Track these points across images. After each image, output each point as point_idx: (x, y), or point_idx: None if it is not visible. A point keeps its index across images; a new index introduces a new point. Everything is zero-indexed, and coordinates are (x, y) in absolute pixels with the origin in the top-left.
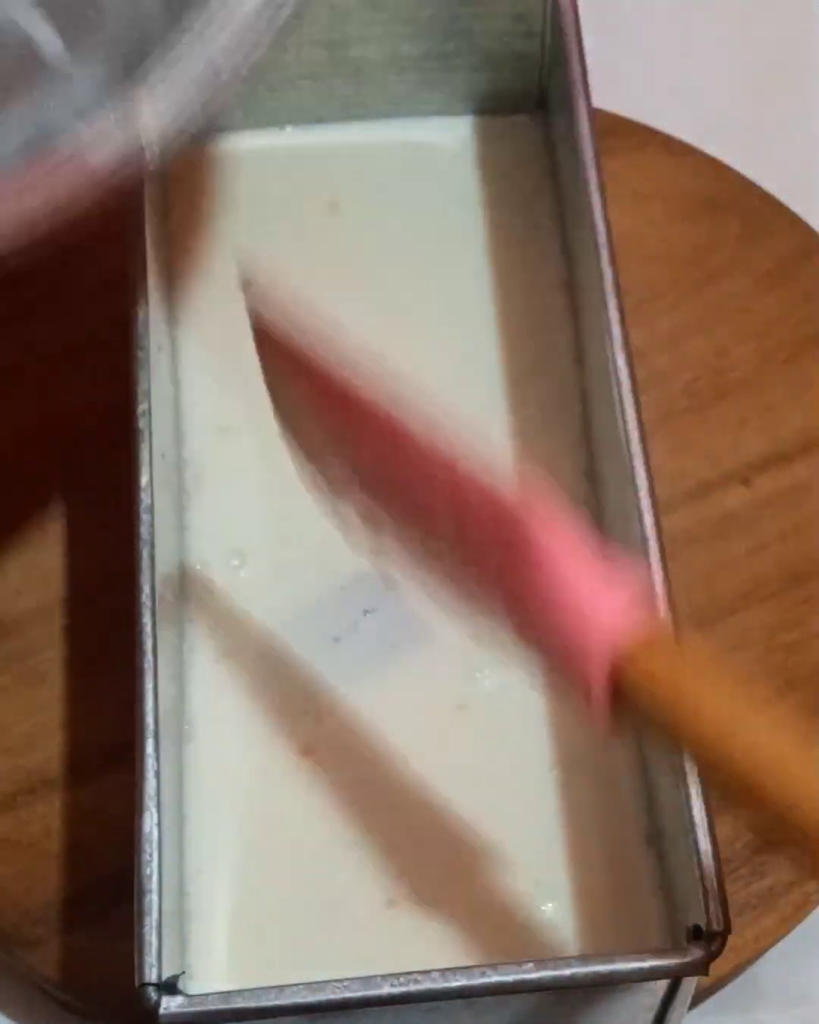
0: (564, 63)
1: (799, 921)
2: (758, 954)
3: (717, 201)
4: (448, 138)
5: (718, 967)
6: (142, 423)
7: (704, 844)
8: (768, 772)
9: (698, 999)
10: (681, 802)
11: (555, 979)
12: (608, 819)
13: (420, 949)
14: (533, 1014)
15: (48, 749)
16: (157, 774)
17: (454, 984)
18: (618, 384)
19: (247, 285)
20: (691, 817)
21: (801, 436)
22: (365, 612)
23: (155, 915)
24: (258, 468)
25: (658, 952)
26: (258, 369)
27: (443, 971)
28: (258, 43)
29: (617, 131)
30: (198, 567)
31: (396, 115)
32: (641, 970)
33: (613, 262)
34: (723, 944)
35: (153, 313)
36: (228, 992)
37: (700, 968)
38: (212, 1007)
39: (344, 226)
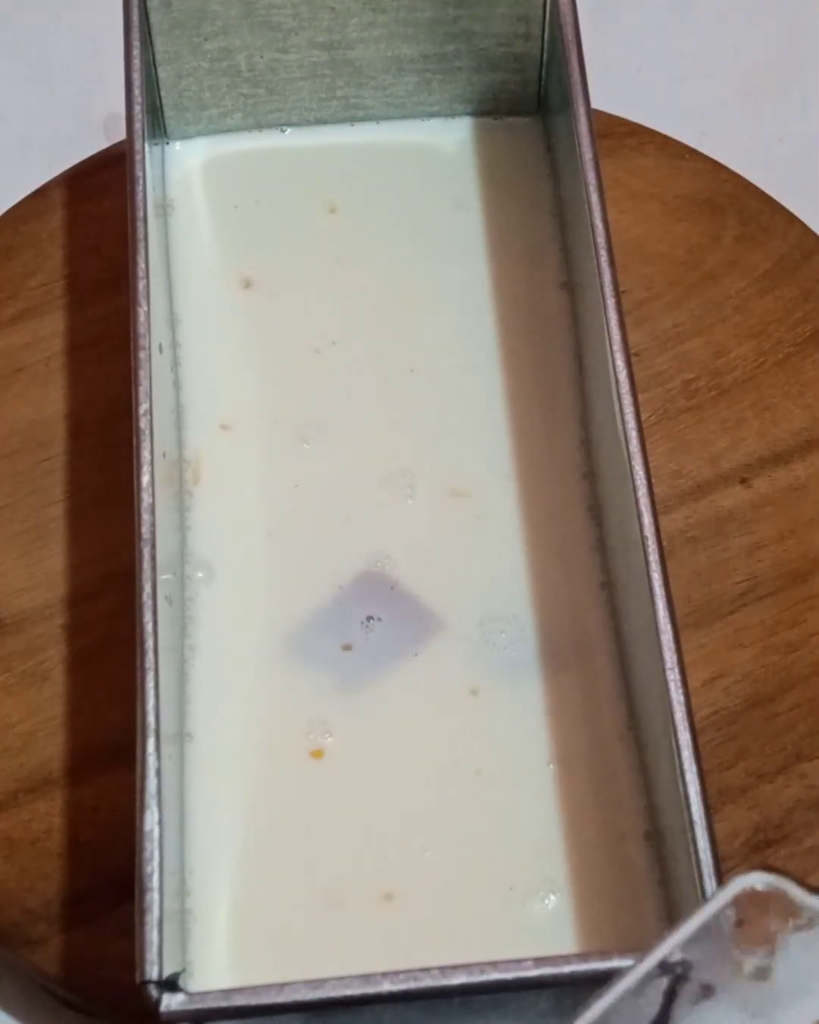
0: (563, 64)
1: None
2: None
3: (715, 202)
4: (447, 139)
5: None
6: (143, 423)
7: (703, 841)
8: None
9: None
10: (680, 799)
11: (554, 977)
12: (608, 816)
13: (420, 945)
14: (532, 1010)
15: (49, 748)
16: (158, 772)
17: (454, 982)
18: (617, 384)
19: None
20: (690, 815)
21: (799, 436)
22: (369, 618)
23: (156, 913)
24: (259, 467)
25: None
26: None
27: (443, 969)
28: None
29: (616, 132)
30: (199, 566)
31: (396, 116)
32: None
33: (612, 262)
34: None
35: (153, 313)
36: (229, 990)
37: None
38: (213, 1004)
39: (343, 227)
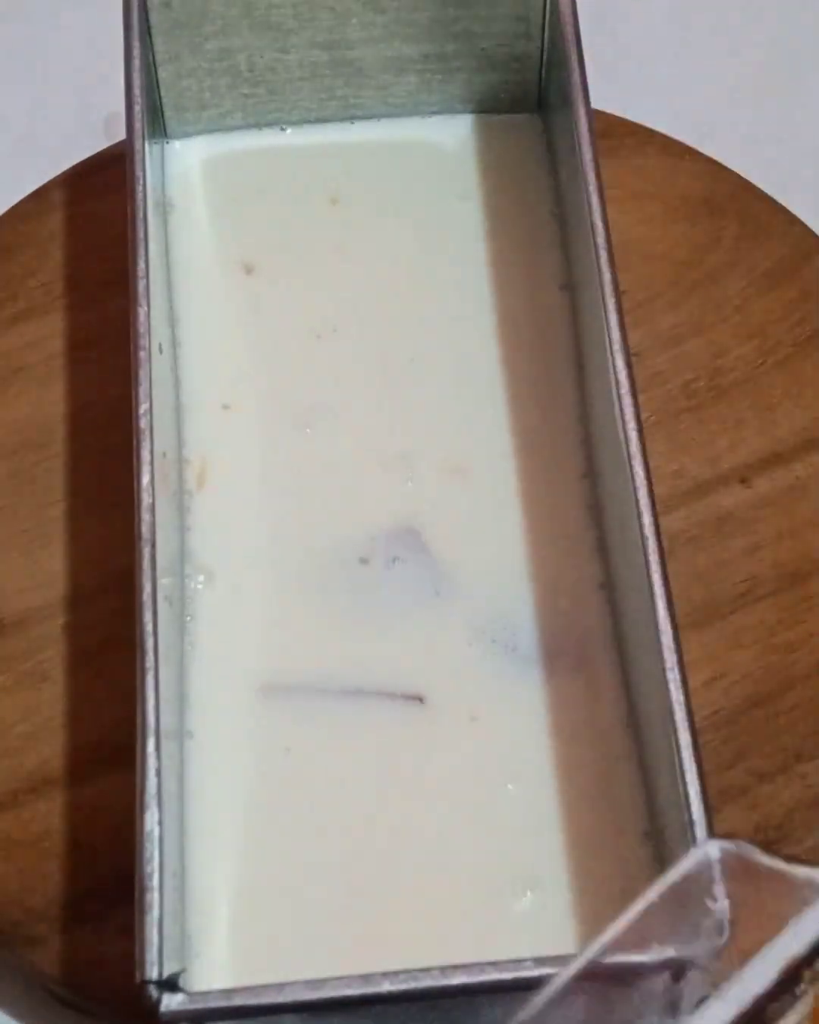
0: (563, 64)
1: None
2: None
3: (716, 202)
4: (448, 139)
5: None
6: (143, 423)
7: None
8: None
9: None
10: (680, 799)
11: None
12: (607, 815)
13: (418, 944)
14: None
15: (49, 748)
16: (158, 772)
17: (454, 982)
18: (617, 384)
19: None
20: (690, 814)
21: (799, 436)
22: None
23: (156, 913)
24: (259, 467)
25: (656, 950)
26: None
27: (444, 968)
28: None
29: (616, 132)
30: (199, 566)
31: (396, 116)
32: (639, 968)
33: (612, 262)
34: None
35: (153, 313)
36: (229, 990)
37: (698, 966)
38: (213, 1004)
39: (343, 227)
